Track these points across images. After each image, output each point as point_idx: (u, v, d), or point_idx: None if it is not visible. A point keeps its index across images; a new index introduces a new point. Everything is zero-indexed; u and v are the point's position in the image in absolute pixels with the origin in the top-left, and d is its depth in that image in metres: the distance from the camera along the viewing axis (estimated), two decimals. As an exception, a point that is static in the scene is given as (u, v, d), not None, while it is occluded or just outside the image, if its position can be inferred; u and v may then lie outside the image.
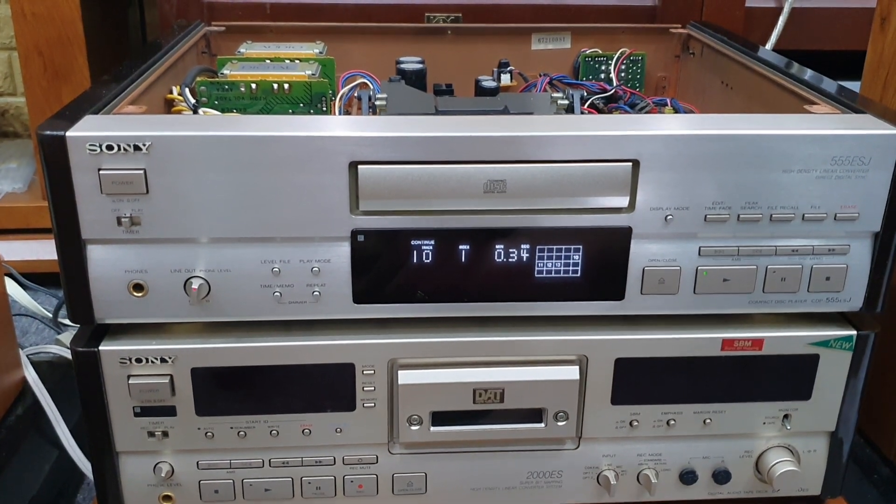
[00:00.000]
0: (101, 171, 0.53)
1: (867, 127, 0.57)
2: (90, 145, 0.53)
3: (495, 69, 0.89)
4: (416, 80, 0.83)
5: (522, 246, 0.58)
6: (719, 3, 1.10)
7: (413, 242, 0.57)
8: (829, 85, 0.68)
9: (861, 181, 0.57)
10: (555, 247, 0.58)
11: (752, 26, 1.14)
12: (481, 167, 0.55)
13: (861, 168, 0.57)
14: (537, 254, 0.58)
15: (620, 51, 0.91)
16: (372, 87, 0.75)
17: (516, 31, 0.94)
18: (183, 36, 0.84)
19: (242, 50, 0.83)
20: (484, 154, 0.55)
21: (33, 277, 1.09)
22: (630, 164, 0.56)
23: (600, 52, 0.92)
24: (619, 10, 1.10)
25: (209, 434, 0.61)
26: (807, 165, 0.57)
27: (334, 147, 0.54)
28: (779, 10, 1.14)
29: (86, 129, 0.53)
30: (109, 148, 0.53)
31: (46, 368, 0.87)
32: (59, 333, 1.00)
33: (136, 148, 0.53)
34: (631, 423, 0.64)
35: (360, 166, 0.55)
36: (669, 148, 0.56)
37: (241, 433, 0.62)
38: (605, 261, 0.59)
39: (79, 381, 0.59)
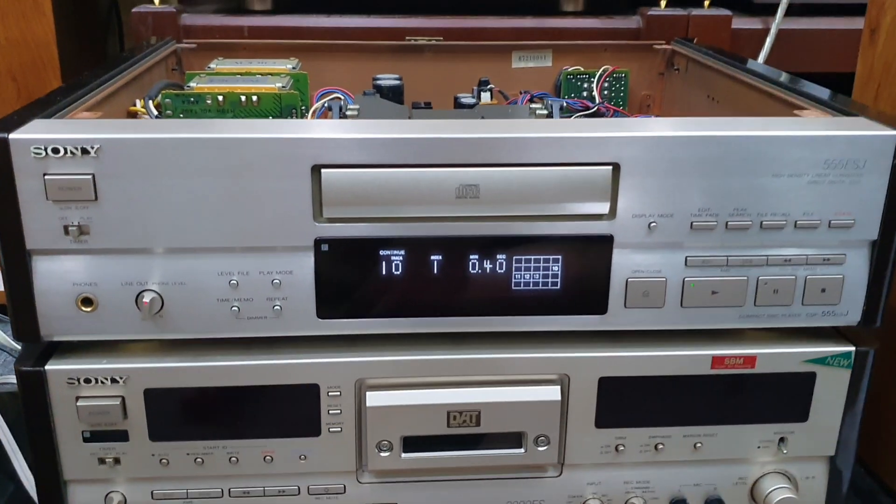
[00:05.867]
0: (46, 177, 0.51)
1: (860, 128, 0.54)
2: (35, 148, 0.50)
3: (475, 87, 0.87)
4: (392, 96, 0.81)
5: (498, 256, 0.55)
6: (705, 23, 1.08)
7: (381, 252, 0.55)
8: (820, 92, 0.66)
9: (856, 186, 0.55)
10: (532, 257, 0.56)
11: (739, 48, 1.12)
12: (453, 171, 0.53)
13: (855, 172, 0.54)
14: (514, 264, 0.56)
15: (603, 68, 0.89)
16: (345, 99, 0.72)
17: (497, 49, 0.92)
18: (152, 50, 0.81)
19: (213, 65, 0.81)
20: (455, 157, 0.53)
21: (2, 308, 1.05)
22: (610, 167, 0.53)
23: (582, 69, 0.90)
24: (602, 32, 1.08)
25: (164, 461, 0.58)
26: (798, 170, 0.54)
27: (295, 150, 0.52)
28: (765, 32, 1.12)
29: (31, 132, 0.50)
30: (55, 151, 0.50)
31: (8, 399, 0.83)
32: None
33: (84, 151, 0.50)
34: (616, 448, 0.61)
35: (323, 170, 0.52)
36: (652, 151, 0.53)
37: (199, 460, 0.59)
38: (586, 272, 0.56)
39: (24, 404, 0.56)
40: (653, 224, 0.55)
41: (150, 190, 0.51)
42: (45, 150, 0.50)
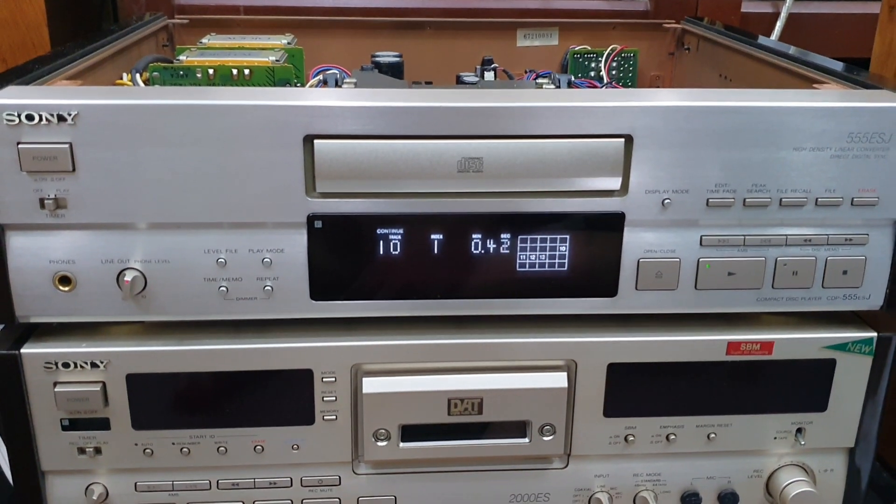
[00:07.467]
0: (20, 146, 0.48)
1: (887, 100, 0.52)
2: (7, 114, 0.47)
3: (478, 66, 0.84)
4: (391, 74, 0.78)
5: (502, 234, 0.53)
6: (714, 7, 1.05)
7: (378, 230, 0.52)
8: (839, 66, 0.63)
9: (881, 161, 0.52)
10: (538, 236, 0.53)
11: (749, 31, 1.09)
12: (455, 143, 0.50)
13: (880, 146, 0.52)
14: (519, 244, 0.53)
15: (611, 47, 0.86)
16: (341, 75, 0.69)
17: (501, 27, 0.90)
18: (141, 25, 0.78)
19: (205, 41, 0.78)
20: (458, 128, 0.50)
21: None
22: (622, 140, 0.51)
23: (590, 48, 0.87)
24: (609, 14, 1.06)
25: (148, 451, 0.56)
26: (820, 143, 0.51)
27: (286, 118, 0.49)
28: (775, 16, 1.10)
29: (4, 98, 0.48)
30: (30, 118, 0.48)
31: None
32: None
33: (61, 118, 0.48)
34: (626, 439, 0.59)
35: (316, 141, 0.49)
36: (667, 122, 0.51)
37: (185, 450, 0.56)
38: (596, 252, 0.54)
39: (-2, 390, 0.54)
40: (667, 200, 0.52)
41: (131, 160, 0.49)
42: (19, 116, 0.47)
